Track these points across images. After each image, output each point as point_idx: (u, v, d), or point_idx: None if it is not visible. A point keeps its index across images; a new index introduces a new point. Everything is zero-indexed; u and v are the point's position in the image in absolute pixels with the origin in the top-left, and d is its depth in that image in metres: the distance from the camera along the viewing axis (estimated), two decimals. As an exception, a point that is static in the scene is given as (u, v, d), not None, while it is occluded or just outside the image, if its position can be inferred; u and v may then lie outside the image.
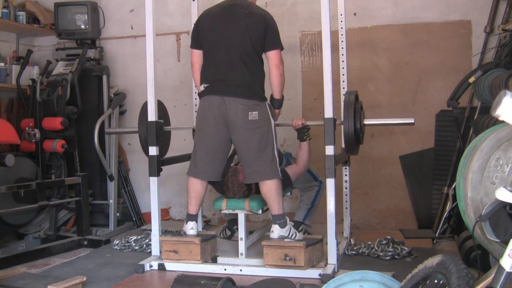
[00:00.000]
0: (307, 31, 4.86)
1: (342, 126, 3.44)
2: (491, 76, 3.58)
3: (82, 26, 5.04)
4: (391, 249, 3.61)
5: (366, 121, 3.55)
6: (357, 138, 3.49)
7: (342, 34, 4.01)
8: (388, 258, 3.54)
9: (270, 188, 3.27)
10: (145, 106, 3.70)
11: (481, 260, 2.64)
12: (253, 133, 3.25)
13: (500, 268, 1.67)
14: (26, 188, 4.16)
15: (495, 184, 2.25)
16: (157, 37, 3.65)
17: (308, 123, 3.60)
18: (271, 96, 3.40)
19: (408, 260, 3.49)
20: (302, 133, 3.58)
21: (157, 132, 3.57)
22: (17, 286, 3.16)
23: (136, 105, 5.21)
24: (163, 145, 3.84)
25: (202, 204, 3.58)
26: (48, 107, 4.56)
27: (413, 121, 3.54)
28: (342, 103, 3.66)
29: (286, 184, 3.52)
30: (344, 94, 3.83)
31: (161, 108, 3.89)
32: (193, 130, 3.71)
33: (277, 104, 3.42)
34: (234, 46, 3.28)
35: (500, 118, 1.74)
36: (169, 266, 3.42)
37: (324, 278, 3.04)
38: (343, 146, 3.97)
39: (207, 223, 4.98)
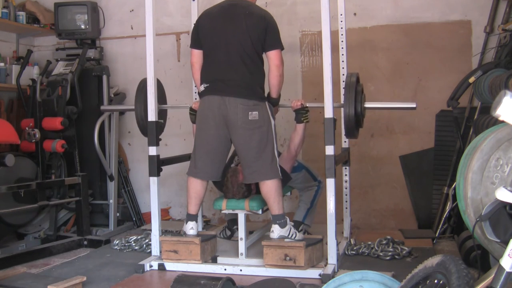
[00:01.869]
0: (307, 31, 4.86)
1: (342, 109, 3.37)
2: (491, 76, 3.58)
3: (82, 26, 5.04)
4: (391, 249, 3.61)
5: (367, 104, 3.50)
6: (357, 122, 3.44)
7: (342, 34, 4.01)
8: (388, 258, 3.54)
9: (270, 188, 3.27)
10: (142, 83, 3.69)
11: (481, 260, 2.64)
12: (253, 133, 3.25)
13: (500, 268, 1.67)
14: (26, 188, 4.16)
15: (495, 184, 2.25)
16: (157, 37, 3.65)
17: (308, 105, 3.55)
18: (268, 94, 3.41)
19: (408, 260, 3.50)
20: (300, 114, 3.53)
21: (156, 132, 3.58)
22: (17, 286, 3.16)
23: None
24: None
25: (202, 204, 3.58)
26: (48, 107, 4.56)
27: (414, 106, 3.51)
28: (343, 87, 3.61)
29: (284, 179, 3.48)
30: (343, 81, 3.80)
31: (159, 87, 3.84)
32: (190, 109, 3.67)
33: (273, 102, 3.43)
34: (234, 46, 3.28)
35: (500, 118, 1.74)
36: (169, 266, 3.42)
37: (324, 278, 3.04)
38: (343, 146, 3.99)
39: (207, 223, 4.97)
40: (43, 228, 4.65)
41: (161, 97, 3.95)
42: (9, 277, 3.32)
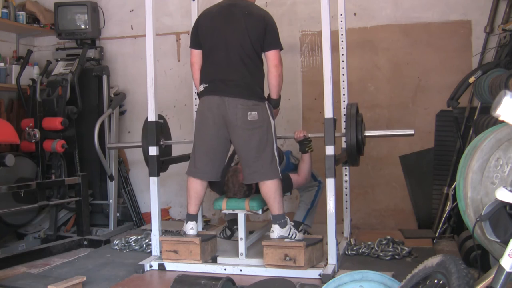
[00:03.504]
0: (307, 31, 4.86)
1: (344, 138, 3.47)
2: (491, 76, 3.58)
3: (82, 26, 5.05)
4: (391, 249, 3.61)
5: (367, 133, 3.64)
6: (359, 150, 3.56)
7: (342, 34, 4.01)
8: (388, 258, 3.54)
9: (270, 188, 3.27)
10: (147, 121, 3.69)
11: (481, 260, 2.64)
12: (252, 133, 3.25)
13: (500, 268, 1.67)
14: (26, 188, 4.15)
15: (495, 184, 2.25)
16: (157, 37, 3.65)
17: (310, 135, 3.62)
18: (268, 95, 3.41)
19: (408, 260, 3.50)
20: (304, 145, 3.59)
21: (156, 132, 3.57)
22: (17, 286, 3.16)
23: (136, 105, 5.23)
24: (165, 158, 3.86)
25: (202, 204, 3.58)
26: (48, 107, 4.56)
27: (412, 132, 3.61)
28: (343, 116, 3.72)
29: (287, 189, 3.54)
30: (344, 108, 3.87)
31: (164, 125, 3.91)
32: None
33: (274, 103, 3.42)
34: (233, 46, 3.28)
35: (500, 118, 1.74)
36: (169, 266, 3.42)
37: (324, 278, 3.04)
38: (343, 146, 3.99)
39: (207, 223, 4.98)
40: (43, 228, 4.65)
41: (166, 136, 3.99)
42: (9, 277, 3.33)
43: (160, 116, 3.76)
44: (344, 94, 4.00)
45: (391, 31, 4.65)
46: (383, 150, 4.68)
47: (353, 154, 3.53)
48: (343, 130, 3.71)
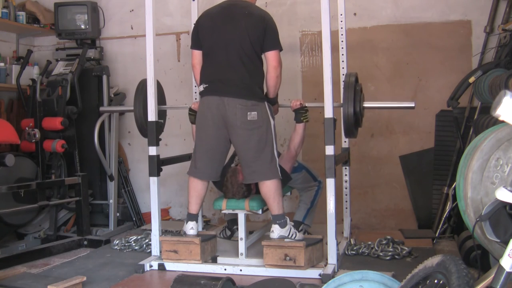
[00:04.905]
0: (307, 31, 4.86)
1: (342, 108, 3.39)
2: (491, 76, 3.58)
3: (82, 26, 5.05)
4: (391, 249, 3.61)
5: (366, 104, 3.51)
6: (357, 121, 3.46)
7: (342, 34, 4.01)
8: (388, 258, 3.54)
9: (269, 188, 3.27)
10: (141, 84, 3.68)
11: (481, 260, 2.64)
12: (252, 133, 3.25)
13: (500, 268, 1.67)
14: (26, 188, 4.15)
15: (495, 184, 2.25)
16: (157, 37, 3.66)
17: (307, 104, 3.57)
18: (266, 93, 3.41)
19: (408, 260, 3.50)
20: (300, 113, 3.54)
21: (157, 132, 3.58)
22: (17, 286, 3.16)
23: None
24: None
25: (202, 203, 3.58)
26: (48, 107, 4.56)
27: (413, 105, 3.52)
28: (342, 85, 3.62)
29: (285, 179, 3.48)
30: (343, 81, 3.80)
31: (158, 88, 3.82)
32: (190, 110, 3.67)
33: (271, 102, 3.42)
34: (233, 47, 3.28)
35: (500, 118, 1.74)
36: (169, 266, 3.42)
37: (324, 278, 3.04)
38: (343, 146, 3.99)
39: (207, 223, 4.98)
40: (43, 228, 4.65)
41: (161, 98, 3.95)
42: (9, 277, 3.33)
43: (157, 82, 3.69)
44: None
45: (391, 31, 4.65)
46: (383, 150, 4.68)
47: (350, 126, 3.39)
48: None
